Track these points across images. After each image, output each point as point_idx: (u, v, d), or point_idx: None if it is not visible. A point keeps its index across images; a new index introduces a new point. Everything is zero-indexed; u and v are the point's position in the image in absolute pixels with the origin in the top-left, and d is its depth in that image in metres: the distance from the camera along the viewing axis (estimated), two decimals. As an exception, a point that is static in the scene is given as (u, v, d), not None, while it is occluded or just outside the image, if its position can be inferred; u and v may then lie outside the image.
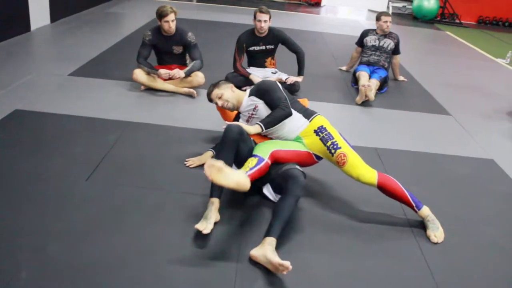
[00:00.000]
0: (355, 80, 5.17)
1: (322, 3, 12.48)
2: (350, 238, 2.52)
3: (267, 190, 2.76)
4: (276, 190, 2.73)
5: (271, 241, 2.25)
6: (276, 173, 2.67)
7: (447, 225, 2.68)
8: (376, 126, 4.17)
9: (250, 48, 4.68)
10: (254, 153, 2.60)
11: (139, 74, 4.26)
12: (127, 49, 5.73)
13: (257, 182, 2.79)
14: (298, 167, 2.67)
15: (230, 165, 2.61)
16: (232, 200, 2.69)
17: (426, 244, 2.53)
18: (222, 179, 2.18)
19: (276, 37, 4.69)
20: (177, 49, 4.40)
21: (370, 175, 2.66)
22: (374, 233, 2.58)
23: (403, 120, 4.40)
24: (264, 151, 2.60)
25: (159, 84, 4.33)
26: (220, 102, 2.96)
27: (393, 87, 5.35)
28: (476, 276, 2.34)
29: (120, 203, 2.58)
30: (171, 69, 4.36)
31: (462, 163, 3.59)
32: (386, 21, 5.25)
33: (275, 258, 2.12)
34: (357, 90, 5.03)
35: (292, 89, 4.67)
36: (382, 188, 2.66)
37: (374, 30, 5.40)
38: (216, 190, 2.51)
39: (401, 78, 5.72)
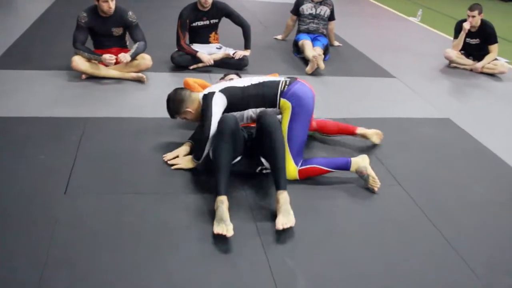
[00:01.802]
0: (298, 50, 5.12)
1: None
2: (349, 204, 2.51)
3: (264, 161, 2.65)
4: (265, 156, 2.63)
5: (282, 199, 2.33)
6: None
7: (439, 188, 2.80)
8: (335, 95, 4.17)
9: (194, 24, 4.40)
10: None
11: (79, 62, 3.80)
12: (46, 34, 5.12)
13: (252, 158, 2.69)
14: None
15: (232, 157, 2.45)
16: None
17: (429, 208, 2.59)
18: None
19: (220, 11, 4.45)
20: (117, 31, 3.99)
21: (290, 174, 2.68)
22: (374, 204, 2.59)
23: (356, 86, 4.45)
24: None
25: (103, 71, 3.91)
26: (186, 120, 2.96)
27: (332, 53, 5.38)
28: (484, 232, 2.46)
29: (114, 215, 2.28)
30: (111, 53, 3.95)
31: (425, 124, 3.73)
32: (321, -12, 5.22)
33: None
34: (302, 59, 4.99)
35: (241, 63, 4.51)
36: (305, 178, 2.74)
37: (310, -3, 5.34)
38: (224, 187, 2.33)
39: (336, 43, 5.79)
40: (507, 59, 5.76)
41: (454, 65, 5.28)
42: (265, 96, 2.76)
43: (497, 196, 2.80)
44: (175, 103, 2.82)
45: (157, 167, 2.75)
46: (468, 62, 5.23)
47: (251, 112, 2.80)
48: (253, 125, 2.85)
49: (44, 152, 2.77)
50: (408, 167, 3.02)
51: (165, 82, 4.04)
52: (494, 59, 5.13)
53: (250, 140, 2.66)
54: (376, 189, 2.70)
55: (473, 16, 4.94)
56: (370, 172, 2.70)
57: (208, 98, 2.71)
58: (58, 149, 2.82)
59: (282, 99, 2.76)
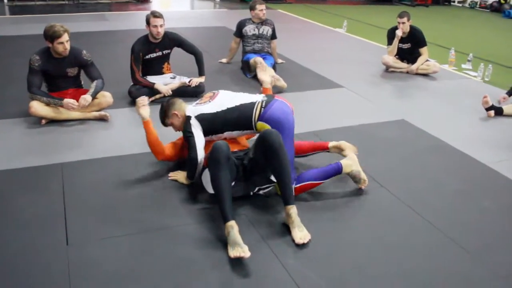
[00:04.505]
0: (249, 69, 5.23)
1: (151, -2, 12.15)
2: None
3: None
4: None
5: (294, 214, 2.44)
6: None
7: (416, 184, 3.03)
8: (295, 111, 4.31)
9: (147, 56, 4.39)
10: None
11: (38, 107, 3.66)
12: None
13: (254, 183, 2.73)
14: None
15: (231, 181, 2.49)
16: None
17: (415, 203, 2.79)
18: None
19: (172, 41, 4.48)
20: (72, 71, 3.88)
21: None
22: (368, 208, 2.75)
23: (311, 100, 4.65)
24: None
25: (64, 114, 3.77)
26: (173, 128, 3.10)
27: (279, 70, 5.55)
28: (469, 217, 2.70)
29: (125, 259, 2.24)
30: (66, 93, 3.85)
31: (384, 128, 3.98)
32: (262, 9, 5.41)
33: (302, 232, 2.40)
34: (254, 78, 5.12)
35: (198, 90, 4.55)
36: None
37: (250, 19, 5.51)
38: (230, 212, 2.36)
39: (279, 60, 5.98)
40: (434, 59, 6.26)
41: (392, 69, 5.68)
42: (240, 120, 2.80)
43: (467, 184, 3.09)
44: (166, 107, 3.04)
45: (151, 203, 2.72)
46: (404, 65, 5.65)
47: (226, 134, 2.88)
48: (237, 148, 2.90)
49: (30, 205, 2.64)
50: (384, 169, 3.22)
51: (127, 118, 3.98)
52: (426, 60, 5.58)
53: (241, 164, 2.70)
54: (363, 187, 2.89)
55: (403, 23, 5.36)
56: (363, 176, 2.86)
57: (188, 122, 2.84)
58: (43, 200, 2.70)
59: (259, 122, 2.78)
